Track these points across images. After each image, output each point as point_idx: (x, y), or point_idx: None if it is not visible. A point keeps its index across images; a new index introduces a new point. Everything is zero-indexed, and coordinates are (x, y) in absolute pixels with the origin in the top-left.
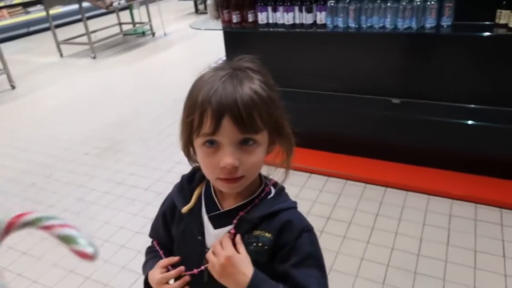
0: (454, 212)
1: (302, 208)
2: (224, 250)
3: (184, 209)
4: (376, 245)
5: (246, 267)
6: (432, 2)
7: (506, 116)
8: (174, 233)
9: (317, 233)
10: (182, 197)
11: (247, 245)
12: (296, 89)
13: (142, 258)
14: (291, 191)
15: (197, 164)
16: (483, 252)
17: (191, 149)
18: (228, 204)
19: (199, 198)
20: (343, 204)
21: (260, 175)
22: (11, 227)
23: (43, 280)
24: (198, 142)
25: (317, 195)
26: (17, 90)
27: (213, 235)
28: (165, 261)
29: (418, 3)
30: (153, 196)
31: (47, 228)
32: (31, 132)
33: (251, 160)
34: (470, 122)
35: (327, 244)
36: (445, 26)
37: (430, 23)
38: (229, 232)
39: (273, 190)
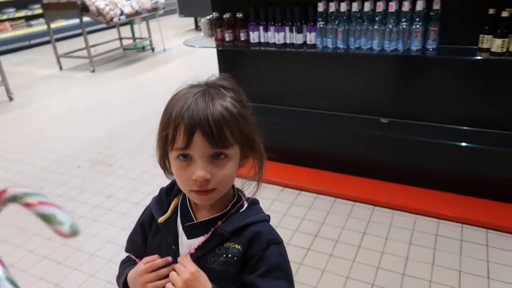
0: (441, 232)
1: (290, 225)
2: (187, 267)
3: (161, 219)
4: (362, 264)
5: (207, 282)
6: (418, 26)
7: (491, 138)
8: (149, 244)
9: (304, 251)
10: (159, 208)
11: (218, 257)
12: (287, 106)
13: None
14: (280, 208)
15: (173, 177)
16: (468, 273)
17: (167, 161)
18: (202, 216)
19: (175, 209)
20: (331, 222)
21: (233, 188)
22: None
23: None
24: (172, 155)
25: (306, 212)
26: (14, 101)
27: (186, 245)
28: (148, 258)
29: (404, 26)
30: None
31: (28, 205)
32: (25, 144)
33: (222, 173)
34: (456, 143)
35: (313, 262)
36: (430, 49)
37: (415, 45)
38: (189, 252)
39: (245, 204)
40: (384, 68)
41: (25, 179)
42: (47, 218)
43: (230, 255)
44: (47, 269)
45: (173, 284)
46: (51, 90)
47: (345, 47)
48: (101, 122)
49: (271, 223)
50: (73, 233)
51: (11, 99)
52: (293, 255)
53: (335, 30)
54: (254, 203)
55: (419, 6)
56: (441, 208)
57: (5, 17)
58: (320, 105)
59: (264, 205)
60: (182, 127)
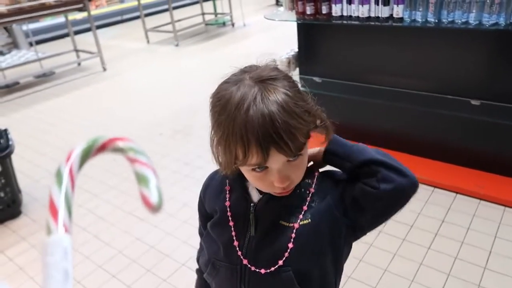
0: None
1: None
2: None
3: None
4: (438, 252)
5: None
6: None
7: None
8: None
9: (375, 232)
10: (218, 197)
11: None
12: (368, 84)
13: None
14: None
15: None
16: None
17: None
18: None
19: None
20: (407, 206)
21: None
22: (105, 147)
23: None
24: (244, 168)
25: None
26: (107, 72)
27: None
28: None
29: None
30: None
31: (132, 160)
32: (114, 111)
33: (299, 173)
34: None
35: (384, 245)
36: None
37: None
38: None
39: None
40: (480, 45)
41: None
42: (142, 180)
43: (303, 190)
44: (131, 224)
45: None
46: (139, 63)
47: (437, 20)
48: (183, 94)
49: None
50: (157, 207)
51: (104, 69)
52: (364, 236)
53: (426, 2)
54: None
55: None
56: None
57: None
58: (405, 84)
59: None
60: (254, 146)
